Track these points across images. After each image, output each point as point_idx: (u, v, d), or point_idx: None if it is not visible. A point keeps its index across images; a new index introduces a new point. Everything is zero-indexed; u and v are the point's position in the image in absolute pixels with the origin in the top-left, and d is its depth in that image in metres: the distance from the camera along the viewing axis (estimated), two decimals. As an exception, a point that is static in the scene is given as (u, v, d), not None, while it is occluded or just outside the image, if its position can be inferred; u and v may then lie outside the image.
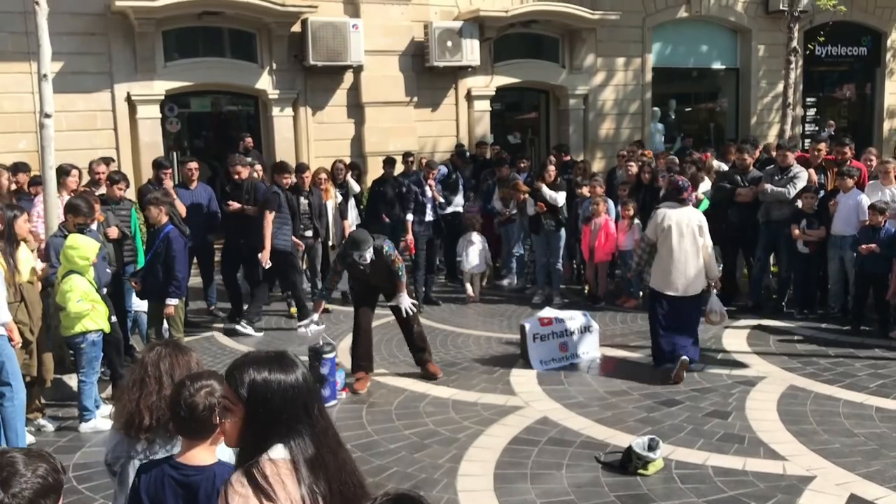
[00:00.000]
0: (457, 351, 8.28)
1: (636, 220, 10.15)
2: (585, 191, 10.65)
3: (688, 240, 7.31)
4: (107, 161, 9.71)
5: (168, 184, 9.31)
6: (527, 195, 10.48)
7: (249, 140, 12.85)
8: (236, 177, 9.73)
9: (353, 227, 11.14)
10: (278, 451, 2.08)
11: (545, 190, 10.04)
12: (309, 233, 9.94)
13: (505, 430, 6.25)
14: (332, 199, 10.63)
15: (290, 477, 2.05)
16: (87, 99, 12.50)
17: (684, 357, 7.16)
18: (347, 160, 12.19)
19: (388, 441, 6.12)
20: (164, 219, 7.54)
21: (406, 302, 7.41)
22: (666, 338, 7.34)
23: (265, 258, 9.10)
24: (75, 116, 12.28)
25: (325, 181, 10.52)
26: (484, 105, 15.28)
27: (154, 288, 7.51)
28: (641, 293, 10.41)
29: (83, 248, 6.26)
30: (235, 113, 15.01)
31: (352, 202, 11.07)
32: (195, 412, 2.63)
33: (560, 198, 10.15)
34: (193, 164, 9.84)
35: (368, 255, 7.08)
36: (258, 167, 10.86)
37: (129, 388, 2.94)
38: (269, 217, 9.13)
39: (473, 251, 10.74)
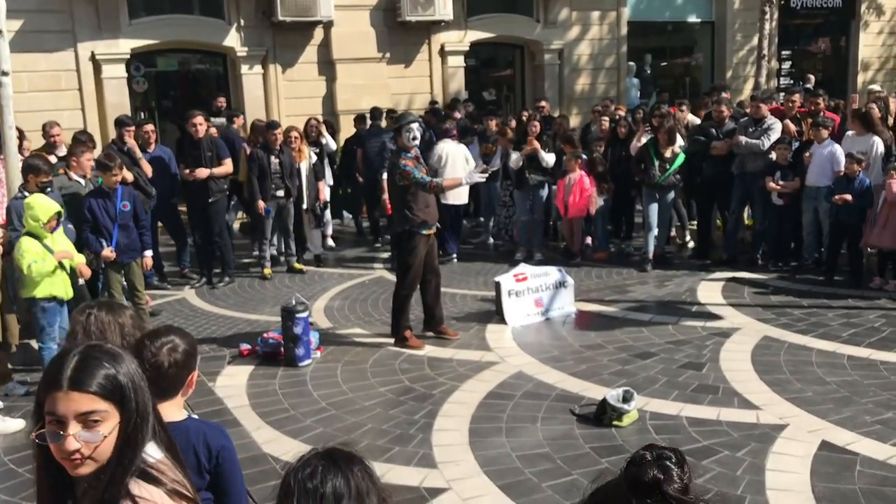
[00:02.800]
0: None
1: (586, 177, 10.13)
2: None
3: (460, 165, 9.83)
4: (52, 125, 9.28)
5: (131, 143, 9.05)
6: (510, 146, 10.36)
7: (222, 100, 12.59)
8: (193, 131, 9.28)
9: (327, 189, 11.02)
10: (154, 450, 1.77)
11: (541, 154, 9.94)
12: (280, 192, 9.76)
13: (480, 385, 6.23)
14: (307, 159, 10.34)
15: (182, 473, 1.80)
16: (50, 59, 12.17)
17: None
18: (320, 118, 11.97)
19: (363, 399, 6.08)
20: (118, 181, 7.35)
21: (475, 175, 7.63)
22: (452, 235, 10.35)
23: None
24: (38, 77, 11.97)
25: (298, 140, 10.25)
26: (458, 61, 15.07)
27: (129, 247, 7.36)
28: (612, 246, 10.42)
29: (38, 207, 6.05)
30: (204, 72, 14.72)
31: (304, 164, 10.46)
32: (161, 370, 2.54)
33: (551, 159, 10.07)
34: (150, 127, 9.55)
35: (419, 131, 7.13)
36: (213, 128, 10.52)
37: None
38: None
39: None
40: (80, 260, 6.50)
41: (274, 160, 9.71)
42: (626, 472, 1.21)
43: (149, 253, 7.60)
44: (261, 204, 9.63)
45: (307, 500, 1.74)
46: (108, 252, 7.21)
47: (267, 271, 9.90)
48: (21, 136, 8.58)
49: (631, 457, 1.23)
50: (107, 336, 2.65)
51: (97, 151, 9.25)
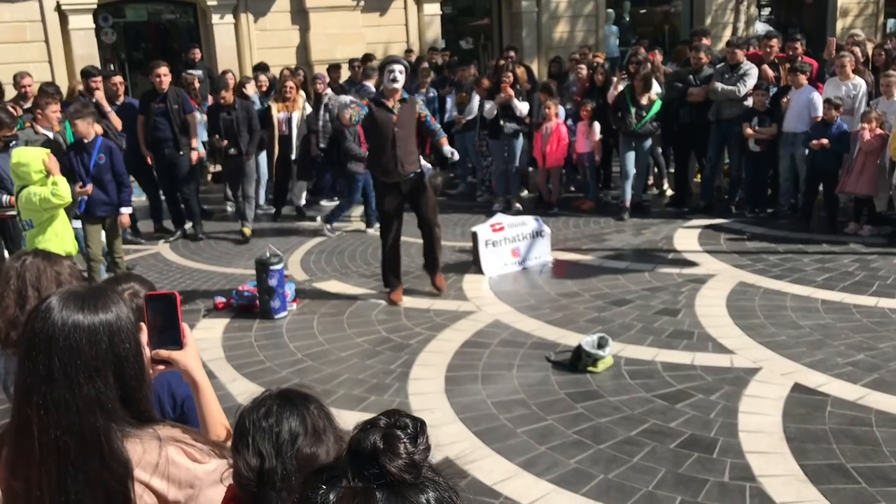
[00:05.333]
0: (409, 260, 8.15)
1: (596, 123, 10.00)
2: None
3: None
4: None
5: (99, 95, 8.84)
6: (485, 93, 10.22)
7: (197, 51, 12.30)
8: (157, 82, 8.98)
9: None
10: None
11: (514, 102, 9.76)
12: (231, 150, 9.32)
13: (456, 334, 6.23)
14: (300, 109, 10.10)
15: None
16: (13, 9, 11.85)
17: None
18: (291, 68, 11.75)
19: (340, 349, 6.06)
20: (93, 131, 7.14)
21: (448, 149, 7.33)
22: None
23: None
24: (2, 28, 11.68)
25: (293, 90, 9.97)
26: (434, 8, 14.81)
27: (103, 202, 7.19)
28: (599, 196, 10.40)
29: (33, 160, 5.80)
30: (174, 22, 14.40)
31: (297, 114, 10.29)
32: None
33: (524, 108, 9.92)
34: (118, 79, 9.29)
35: (400, 73, 6.79)
36: (196, 78, 10.31)
37: None
38: None
39: None
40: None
41: (224, 115, 9.22)
42: (351, 437, 1.02)
43: (125, 210, 7.36)
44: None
45: (263, 439, 1.71)
46: (82, 188, 6.97)
47: (246, 230, 9.48)
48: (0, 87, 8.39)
49: (364, 420, 1.06)
50: (41, 283, 2.57)
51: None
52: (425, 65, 11.84)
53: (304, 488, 1.02)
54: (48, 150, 6.02)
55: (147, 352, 1.93)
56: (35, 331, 1.63)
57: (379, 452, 0.99)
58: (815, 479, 4.05)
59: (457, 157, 7.76)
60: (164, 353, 1.93)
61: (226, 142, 9.25)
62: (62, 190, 5.78)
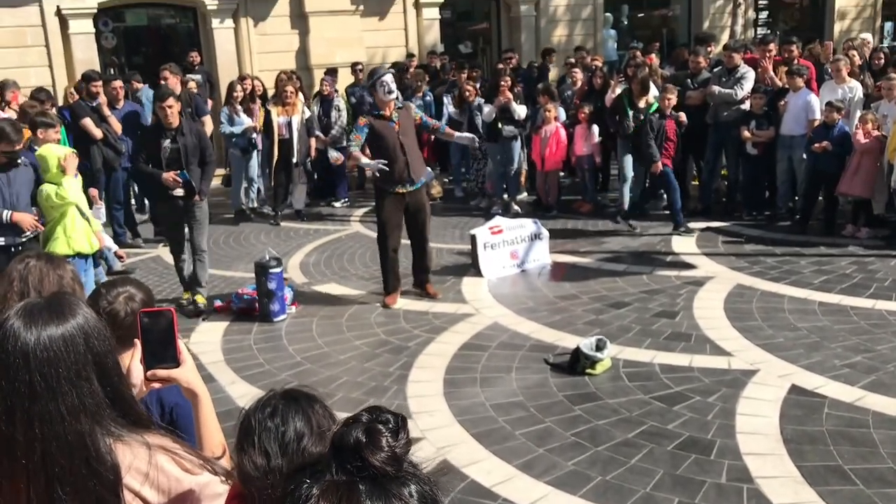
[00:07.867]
0: (409, 263, 8.17)
1: (594, 126, 10.04)
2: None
3: None
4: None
5: (102, 99, 8.87)
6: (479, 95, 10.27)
7: (195, 55, 12.33)
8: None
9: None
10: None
11: (513, 105, 9.80)
12: (178, 191, 6.88)
13: (455, 336, 6.25)
14: (299, 113, 10.15)
15: None
16: (14, 14, 11.87)
17: None
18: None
19: (339, 352, 6.08)
20: (55, 138, 6.94)
21: (463, 136, 7.51)
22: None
23: None
24: (3, 32, 11.71)
25: (294, 95, 9.99)
26: (433, 13, 14.84)
27: None
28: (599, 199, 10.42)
29: (50, 157, 5.90)
30: (174, 27, 14.42)
31: (296, 118, 10.27)
32: (117, 320, 2.49)
33: (522, 111, 9.94)
34: (118, 83, 9.31)
35: (390, 80, 6.81)
36: (192, 82, 10.33)
37: None
38: None
39: None
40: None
41: (166, 143, 6.90)
42: (334, 433, 1.05)
43: None
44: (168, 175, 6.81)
45: (269, 438, 1.73)
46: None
47: (200, 298, 7.22)
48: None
49: (346, 417, 1.08)
50: (44, 286, 2.57)
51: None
52: (419, 69, 11.95)
53: (288, 483, 1.05)
54: (72, 150, 6.17)
55: (140, 368, 1.93)
56: (7, 351, 1.57)
57: (361, 446, 1.01)
58: (813, 480, 4.07)
59: (476, 142, 7.87)
60: (161, 372, 1.92)
61: (178, 181, 6.83)
62: (64, 191, 5.92)
